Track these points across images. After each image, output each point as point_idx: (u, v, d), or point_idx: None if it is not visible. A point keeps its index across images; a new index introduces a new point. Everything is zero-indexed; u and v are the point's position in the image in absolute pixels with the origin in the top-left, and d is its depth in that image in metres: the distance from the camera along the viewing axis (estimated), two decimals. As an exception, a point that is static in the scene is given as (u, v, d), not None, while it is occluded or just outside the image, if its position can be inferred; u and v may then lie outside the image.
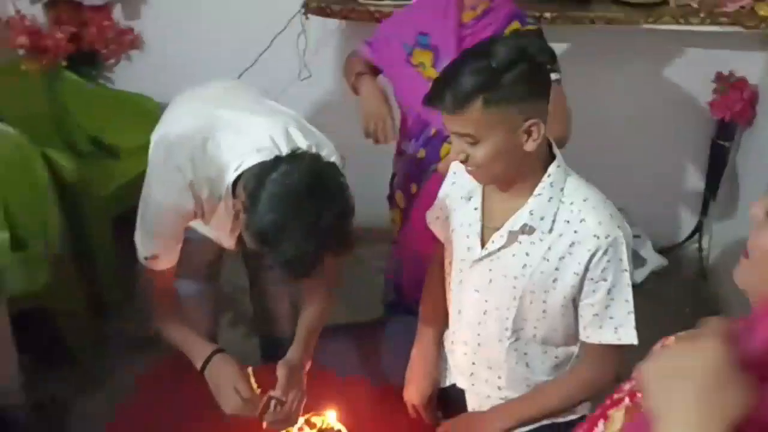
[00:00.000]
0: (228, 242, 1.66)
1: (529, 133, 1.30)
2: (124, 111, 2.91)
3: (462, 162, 1.35)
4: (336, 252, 1.34)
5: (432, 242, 1.66)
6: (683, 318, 2.85)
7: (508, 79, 1.25)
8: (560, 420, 1.52)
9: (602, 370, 1.45)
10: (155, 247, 1.54)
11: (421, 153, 1.95)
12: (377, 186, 2.23)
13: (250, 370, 1.69)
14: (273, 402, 1.51)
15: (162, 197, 1.48)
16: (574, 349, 1.49)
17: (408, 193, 2.04)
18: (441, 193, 1.60)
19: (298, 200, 1.25)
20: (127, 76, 3.08)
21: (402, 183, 2.08)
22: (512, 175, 1.37)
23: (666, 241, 3.12)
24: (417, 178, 1.98)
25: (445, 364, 1.66)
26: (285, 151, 1.43)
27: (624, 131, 2.97)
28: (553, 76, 1.76)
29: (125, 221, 1.75)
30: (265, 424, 1.52)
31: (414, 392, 1.60)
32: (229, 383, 1.50)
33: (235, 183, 1.42)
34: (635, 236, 2.96)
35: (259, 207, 1.27)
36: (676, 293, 2.91)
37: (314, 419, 1.56)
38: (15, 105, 2.67)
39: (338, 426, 1.54)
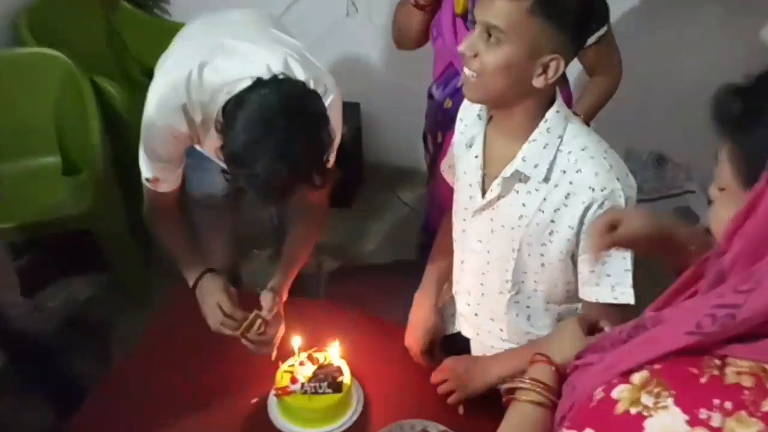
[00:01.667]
0: None
1: (545, 68, 1.24)
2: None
3: (467, 57, 1.27)
4: (310, 183, 1.33)
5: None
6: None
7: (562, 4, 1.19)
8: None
9: None
10: (154, 168, 1.57)
11: (448, 103, 1.91)
12: (418, 127, 2.21)
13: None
14: (258, 321, 1.55)
15: (156, 116, 1.50)
16: (577, 305, 1.45)
17: (435, 141, 2.01)
18: (453, 140, 1.56)
19: (270, 121, 1.26)
20: (183, 8, 3.10)
21: (430, 128, 2.04)
22: (507, 102, 1.30)
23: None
24: (442, 127, 1.94)
25: (453, 310, 1.65)
26: None
27: (695, 84, 2.81)
28: (602, 30, 1.69)
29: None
30: (246, 343, 1.56)
31: (412, 338, 1.60)
32: (213, 300, 1.56)
33: (225, 107, 1.41)
34: (689, 192, 2.85)
35: (233, 128, 1.28)
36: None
37: (316, 354, 1.58)
38: (72, 34, 2.77)
39: (339, 362, 1.56)
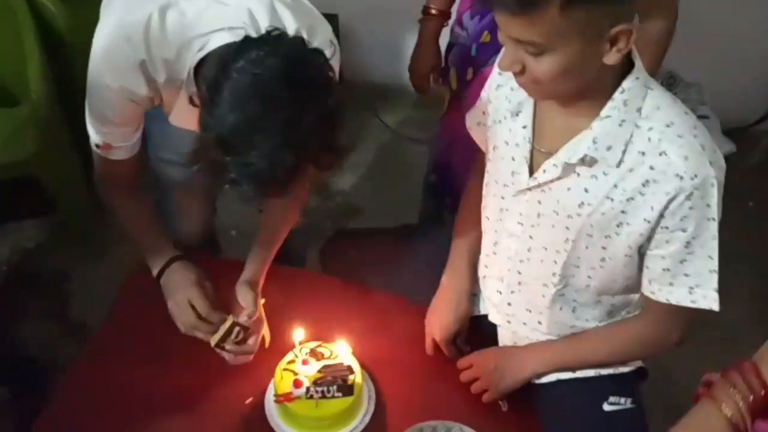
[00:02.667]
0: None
1: (614, 41, 0.97)
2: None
3: (515, 73, 1.03)
4: (318, 162, 1.05)
5: None
6: (745, 212, 2.57)
7: None
8: (606, 371, 1.30)
9: (665, 331, 1.20)
10: (105, 133, 1.26)
11: (486, 36, 1.60)
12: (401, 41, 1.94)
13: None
14: (236, 329, 1.30)
15: (106, 74, 1.17)
16: (635, 296, 1.24)
17: (462, 77, 1.71)
18: (484, 94, 1.29)
19: (269, 96, 0.96)
20: None
21: (457, 62, 1.74)
22: (578, 92, 1.06)
23: (735, 122, 2.75)
24: (475, 63, 1.65)
25: (476, 290, 1.43)
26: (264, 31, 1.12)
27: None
28: None
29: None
30: (221, 353, 1.33)
31: (436, 325, 1.38)
32: (183, 296, 1.32)
33: (198, 67, 1.11)
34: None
35: (220, 104, 0.97)
36: (741, 183, 2.57)
37: (322, 349, 1.36)
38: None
39: (350, 361, 1.34)
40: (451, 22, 1.80)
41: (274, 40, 0.99)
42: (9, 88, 2.25)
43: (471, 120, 1.35)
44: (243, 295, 1.33)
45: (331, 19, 2.72)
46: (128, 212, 1.39)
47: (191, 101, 1.09)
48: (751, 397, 0.80)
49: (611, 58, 0.98)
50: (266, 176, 0.99)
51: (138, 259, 1.47)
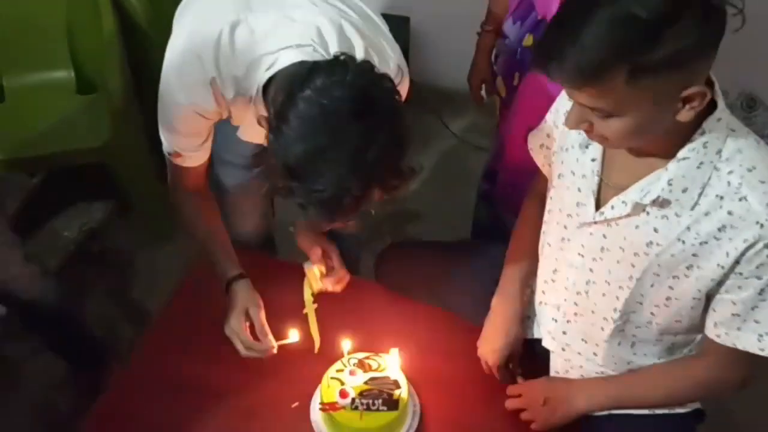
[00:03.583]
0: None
1: (688, 100, 0.93)
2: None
3: (583, 130, 1.01)
4: (385, 186, 1.03)
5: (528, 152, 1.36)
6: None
7: (667, 38, 0.85)
8: (661, 411, 1.25)
9: (727, 374, 1.15)
10: (176, 143, 1.28)
11: (528, 39, 1.57)
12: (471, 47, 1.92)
13: (307, 277, 1.51)
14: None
15: (177, 91, 1.19)
16: (698, 336, 1.19)
17: (510, 83, 1.71)
18: (549, 117, 1.25)
19: (336, 128, 0.95)
20: None
21: (503, 69, 1.74)
22: (651, 143, 1.02)
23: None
24: (520, 68, 1.63)
25: (530, 312, 1.40)
26: (333, 50, 1.10)
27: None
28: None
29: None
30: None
31: (489, 350, 1.36)
32: (239, 309, 1.34)
33: (266, 85, 1.11)
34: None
35: (286, 132, 0.97)
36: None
37: (370, 361, 1.35)
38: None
39: (397, 375, 1.33)
40: None
41: (341, 67, 0.98)
42: (88, 76, 2.32)
43: (534, 142, 1.32)
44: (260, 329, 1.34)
45: (403, 22, 2.74)
46: (198, 222, 1.41)
47: (259, 121, 1.09)
48: None
49: (684, 116, 0.94)
50: (333, 204, 0.99)
51: (197, 249, 1.50)
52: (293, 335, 1.36)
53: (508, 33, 1.69)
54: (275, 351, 1.33)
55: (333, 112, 0.94)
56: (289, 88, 0.98)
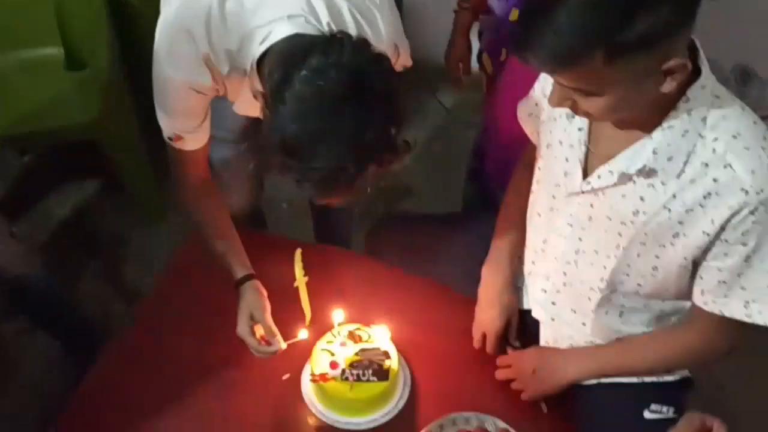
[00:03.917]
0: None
1: (669, 72, 0.92)
2: None
3: (567, 107, 1.01)
4: (381, 163, 1.03)
5: (520, 126, 1.36)
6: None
7: (642, 16, 0.85)
8: (649, 379, 1.26)
9: (714, 341, 1.16)
10: (176, 125, 1.27)
11: (514, 14, 1.56)
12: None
13: (299, 251, 1.52)
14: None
15: (171, 71, 1.18)
16: (686, 303, 1.19)
17: (496, 59, 1.69)
18: (537, 86, 1.25)
19: (333, 110, 0.95)
20: None
21: (489, 45, 1.73)
22: (636, 114, 1.02)
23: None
24: (507, 43, 1.62)
25: (520, 282, 1.40)
26: (324, 21, 1.10)
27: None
28: None
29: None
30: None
31: (486, 320, 1.36)
32: (246, 312, 1.34)
33: (261, 58, 1.10)
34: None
35: (283, 111, 0.97)
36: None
37: (360, 332, 1.36)
38: None
39: (388, 346, 1.33)
40: None
41: (337, 46, 0.97)
42: (76, 53, 2.29)
43: (522, 111, 1.31)
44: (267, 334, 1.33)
45: (396, -4, 2.71)
46: (207, 223, 1.40)
47: (255, 95, 1.08)
48: None
49: (667, 87, 0.94)
50: (329, 181, 0.99)
51: (189, 228, 1.50)
52: (302, 334, 1.35)
53: (493, 7, 1.68)
54: (284, 349, 1.32)
55: (330, 93, 0.94)
56: (285, 66, 0.98)
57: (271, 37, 1.08)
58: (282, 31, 1.07)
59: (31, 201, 2.44)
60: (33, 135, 2.12)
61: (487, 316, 1.36)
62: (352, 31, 1.13)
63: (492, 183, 1.80)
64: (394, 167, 1.03)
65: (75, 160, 2.48)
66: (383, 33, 1.22)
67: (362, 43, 0.99)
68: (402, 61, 1.34)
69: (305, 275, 1.47)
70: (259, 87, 1.10)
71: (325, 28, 1.11)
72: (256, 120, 1.57)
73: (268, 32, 1.08)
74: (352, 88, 0.94)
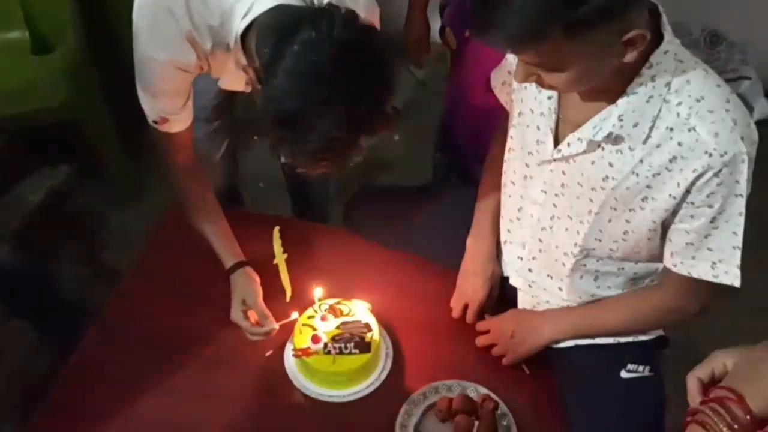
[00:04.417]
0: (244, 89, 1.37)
1: (630, 43, 0.93)
2: None
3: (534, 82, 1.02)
4: (372, 132, 1.04)
5: (488, 98, 1.37)
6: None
7: None
8: (625, 339, 1.29)
9: (685, 302, 1.19)
10: (161, 107, 1.26)
11: None
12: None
13: (277, 228, 1.53)
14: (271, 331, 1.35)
15: (155, 51, 1.17)
16: (659, 265, 1.22)
17: (460, 35, 1.69)
18: (510, 55, 1.25)
19: (328, 83, 0.95)
20: None
21: (452, 21, 1.72)
22: (602, 83, 1.03)
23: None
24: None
25: (498, 250, 1.42)
26: None
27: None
28: None
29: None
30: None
31: (469, 289, 1.38)
32: (238, 298, 1.36)
33: (245, 32, 1.10)
34: (744, 78, 2.54)
35: (276, 85, 0.97)
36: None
37: (341, 306, 1.37)
38: None
39: (368, 319, 1.35)
40: None
41: (327, 20, 0.96)
42: (43, 36, 2.25)
43: (496, 79, 1.32)
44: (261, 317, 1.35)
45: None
46: (196, 203, 1.41)
47: (242, 68, 1.08)
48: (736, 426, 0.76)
49: (629, 57, 0.95)
50: (324, 152, 1.00)
51: (170, 205, 1.48)
52: (294, 315, 1.37)
53: None
54: (277, 330, 1.34)
55: (323, 67, 0.94)
56: (275, 40, 0.98)
57: (254, 10, 1.07)
58: (264, 3, 1.07)
59: (3, 187, 2.41)
60: (2, 121, 2.09)
61: (470, 286, 1.38)
62: None
63: (465, 154, 1.81)
64: (384, 134, 1.03)
65: (48, 144, 2.45)
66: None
67: (351, 16, 1.00)
68: (372, 23, 1.34)
69: (284, 252, 1.49)
70: (243, 61, 1.10)
71: None
72: (227, 96, 1.59)
73: (250, 5, 1.07)
74: (345, 61, 0.95)
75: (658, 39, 1.00)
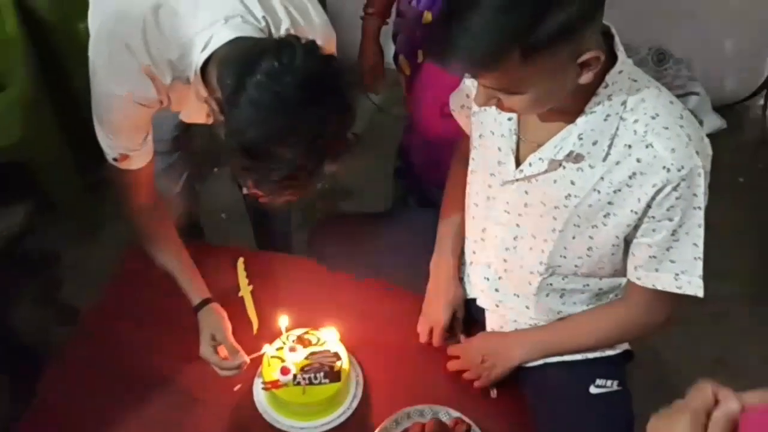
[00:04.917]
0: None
1: (585, 65, 0.96)
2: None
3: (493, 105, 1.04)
4: (334, 157, 1.04)
5: (444, 123, 1.38)
6: (736, 188, 2.56)
7: (552, 13, 0.88)
8: (592, 355, 1.30)
9: (650, 314, 1.21)
10: (121, 144, 1.24)
11: (427, 16, 1.59)
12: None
13: (241, 260, 1.52)
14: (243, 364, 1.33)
15: (114, 86, 1.16)
16: (623, 280, 1.24)
17: (413, 61, 1.71)
18: (467, 79, 1.27)
19: (291, 114, 0.96)
20: None
21: (405, 48, 1.75)
22: (560, 104, 1.05)
23: (726, 98, 2.74)
24: (422, 45, 1.65)
25: (463, 273, 1.43)
26: (260, 15, 1.11)
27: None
28: None
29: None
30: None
31: (433, 313, 1.39)
32: (207, 334, 1.34)
33: (204, 64, 1.10)
34: (692, 93, 2.61)
35: (239, 117, 0.97)
36: (732, 160, 2.57)
37: (309, 336, 1.36)
38: None
39: (337, 347, 1.34)
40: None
41: (288, 51, 0.97)
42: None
43: (455, 103, 1.34)
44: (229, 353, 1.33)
45: (319, -4, 2.70)
46: (159, 241, 1.38)
47: (204, 99, 1.08)
48: None
49: (585, 78, 0.98)
50: (290, 180, 1.01)
51: (130, 239, 1.46)
52: (266, 348, 1.34)
53: (405, 12, 1.70)
54: (248, 363, 1.32)
55: (286, 99, 0.95)
56: (237, 72, 0.98)
57: (213, 42, 1.07)
58: (223, 36, 1.07)
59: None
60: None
61: (433, 310, 1.38)
62: (286, 22, 1.15)
63: (426, 181, 1.82)
64: (342, 162, 1.04)
65: (2, 184, 2.39)
66: (316, 22, 1.22)
67: (312, 46, 1.01)
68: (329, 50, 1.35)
69: (249, 284, 1.47)
70: (204, 93, 1.10)
71: (262, 23, 1.12)
72: (185, 129, 1.58)
73: (209, 38, 1.08)
74: (308, 91, 0.96)
75: (612, 59, 1.03)
